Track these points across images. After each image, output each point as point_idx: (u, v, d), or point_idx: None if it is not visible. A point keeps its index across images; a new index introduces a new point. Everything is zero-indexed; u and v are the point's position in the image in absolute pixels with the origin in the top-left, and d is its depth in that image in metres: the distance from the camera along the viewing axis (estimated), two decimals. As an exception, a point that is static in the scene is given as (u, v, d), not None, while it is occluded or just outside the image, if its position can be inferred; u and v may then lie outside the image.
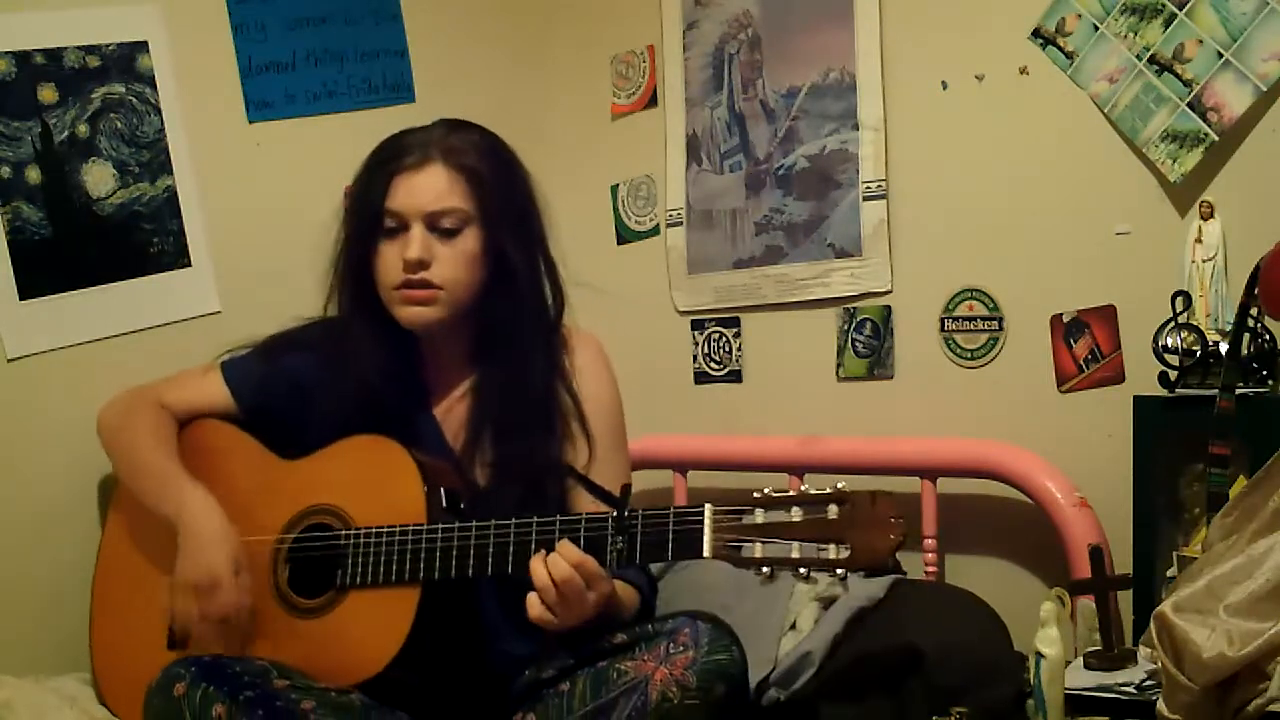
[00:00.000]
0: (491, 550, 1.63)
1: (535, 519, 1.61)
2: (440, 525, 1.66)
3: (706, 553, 1.52)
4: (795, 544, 1.48)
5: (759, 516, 1.50)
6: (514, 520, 1.62)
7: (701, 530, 1.52)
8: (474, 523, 1.64)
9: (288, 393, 1.88)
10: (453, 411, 1.86)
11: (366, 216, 1.80)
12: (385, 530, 1.69)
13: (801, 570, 1.49)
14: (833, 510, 1.49)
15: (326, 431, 1.81)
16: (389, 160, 1.80)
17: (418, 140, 1.81)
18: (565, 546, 1.57)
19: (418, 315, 1.79)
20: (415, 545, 1.66)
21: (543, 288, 1.86)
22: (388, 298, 1.81)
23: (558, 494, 1.78)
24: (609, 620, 1.66)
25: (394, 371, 1.83)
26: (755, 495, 1.52)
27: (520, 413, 1.80)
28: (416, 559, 1.66)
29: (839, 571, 1.48)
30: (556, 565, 1.56)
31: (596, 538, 1.57)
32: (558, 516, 1.61)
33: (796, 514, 1.50)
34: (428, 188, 1.78)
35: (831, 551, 1.48)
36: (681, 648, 1.57)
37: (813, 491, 1.50)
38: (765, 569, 1.49)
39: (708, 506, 1.53)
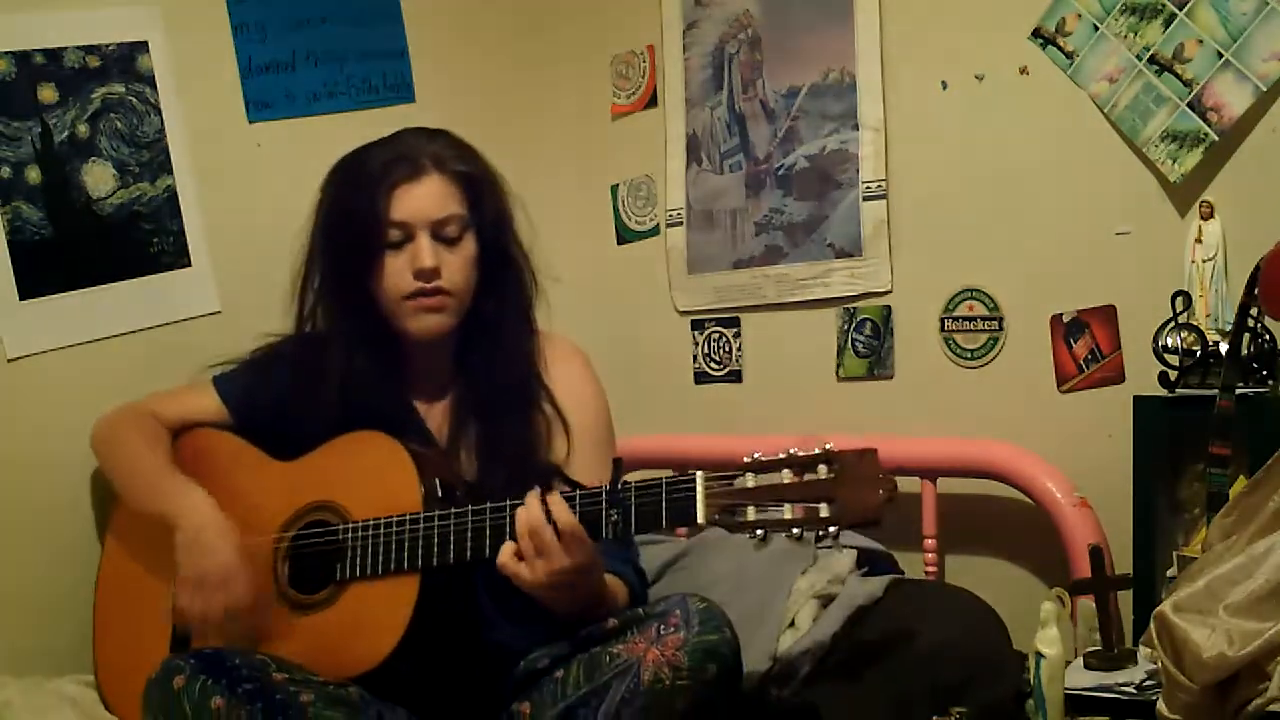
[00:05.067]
0: (488, 531, 1.64)
1: (528, 497, 1.61)
2: (436, 513, 1.67)
3: (700, 519, 1.53)
4: (787, 505, 1.51)
5: (750, 480, 1.53)
6: (509, 501, 1.63)
7: (694, 497, 1.54)
8: (469, 507, 1.66)
9: (277, 400, 1.90)
10: (436, 406, 1.89)
11: (365, 229, 1.81)
12: (383, 521, 1.69)
13: (794, 531, 1.51)
14: (822, 470, 1.51)
15: (317, 434, 1.83)
16: (381, 173, 1.82)
17: (398, 151, 1.84)
18: (552, 502, 1.60)
19: (432, 324, 1.83)
20: (413, 533, 1.67)
21: (526, 282, 1.91)
22: (394, 309, 1.83)
23: (543, 480, 1.77)
24: (597, 609, 1.67)
25: (381, 377, 1.86)
26: (745, 460, 1.54)
27: (503, 396, 1.83)
28: (415, 547, 1.67)
29: (832, 529, 1.50)
30: (530, 511, 1.59)
31: (591, 511, 1.58)
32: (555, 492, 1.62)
33: (787, 475, 1.52)
34: (430, 196, 1.81)
35: (823, 510, 1.50)
36: (673, 629, 1.58)
37: (801, 453, 1.52)
38: (759, 531, 1.51)
39: (699, 474, 1.55)
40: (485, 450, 1.82)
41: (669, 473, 2.59)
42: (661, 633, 1.58)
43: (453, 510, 1.66)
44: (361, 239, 1.82)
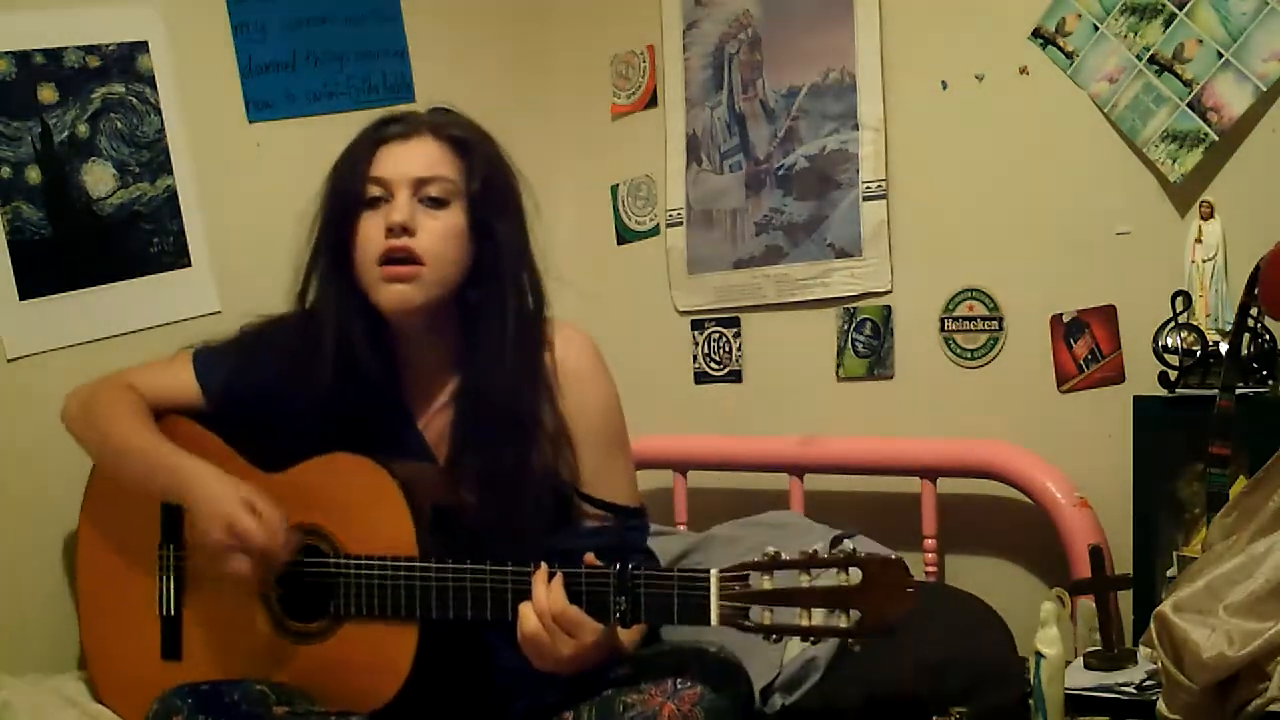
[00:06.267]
0: (490, 595, 1.59)
1: (532, 566, 1.57)
2: (434, 564, 1.61)
3: (713, 621, 1.48)
4: (804, 611, 1.45)
5: (766, 582, 1.46)
6: (510, 567, 1.58)
7: (707, 597, 1.49)
8: (469, 564, 1.60)
9: (258, 392, 1.79)
10: (435, 420, 1.79)
11: (348, 187, 1.73)
12: (378, 563, 1.64)
13: (810, 639, 1.46)
14: (844, 577, 1.44)
15: (302, 438, 1.74)
16: (373, 132, 1.75)
17: (403, 116, 1.78)
18: (553, 592, 1.54)
19: (398, 295, 1.69)
20: (409, 582, 1.62)
21: (526, 274, 1.77)
22: (367, 278, 1.71)
23: (550, 506, 1.73)
24: (615, 658, 1.63)
25: (369, 365, 1.74)
26: (763, 556, 1.47)
27: (504, 422, 1.72)
28: (412, 597, 1.61)
29: (849, 641, 1.44)
30: (526, 617, 1.55)
31: (598, 594, 1.53)
32: (559, 570, 1.56)
33: (805, 579, 1.45)
34: (416, 154, 1.72)
35: (842, 620, 1.44)
36: (689, 684, 1.54)
37: (824, 555, 1.45)
38: (773, 636, 1.46)
39: (713, 572, 1.49)
40: (486, 481, 1.71)
41: (670, 473, 2.65)
42: (678, 687, 1.53)
43: (451, 564, 1.60)
44: (342, 198, 1.73)
